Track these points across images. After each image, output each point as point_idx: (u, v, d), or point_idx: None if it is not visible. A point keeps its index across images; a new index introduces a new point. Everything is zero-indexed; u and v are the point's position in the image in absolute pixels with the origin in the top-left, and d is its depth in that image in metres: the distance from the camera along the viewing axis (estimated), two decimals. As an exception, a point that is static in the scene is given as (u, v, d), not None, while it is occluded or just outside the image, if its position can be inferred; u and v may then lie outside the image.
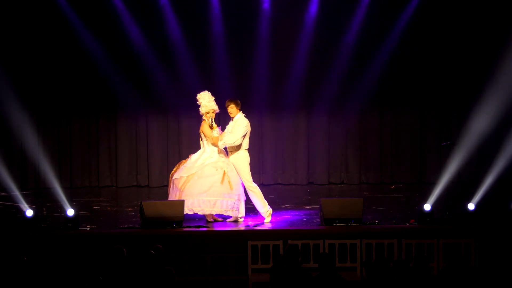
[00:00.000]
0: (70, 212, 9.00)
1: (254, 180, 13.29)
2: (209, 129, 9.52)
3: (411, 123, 13.44)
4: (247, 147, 9.54)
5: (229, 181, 9.33)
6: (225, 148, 9.58)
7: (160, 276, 6.50)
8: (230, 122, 9.56)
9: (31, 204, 10.23)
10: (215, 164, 9.43)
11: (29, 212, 9.00)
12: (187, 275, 8.51)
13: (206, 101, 9.62)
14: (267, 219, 9.52)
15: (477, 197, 9.79)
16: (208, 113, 9.59)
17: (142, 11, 12.81)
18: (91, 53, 12.81)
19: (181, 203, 9.15)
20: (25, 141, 12.90)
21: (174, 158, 12.98)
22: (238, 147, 9.45)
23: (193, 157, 9.59)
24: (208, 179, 9.33)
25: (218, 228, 9.26)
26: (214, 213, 9.46)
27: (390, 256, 8.42)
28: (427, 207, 9.17)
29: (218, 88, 13.11)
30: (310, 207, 10.73)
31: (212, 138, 9.47)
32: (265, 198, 9.66)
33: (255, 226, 9.31)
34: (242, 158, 9.48)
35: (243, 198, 9.51)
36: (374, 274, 6.22)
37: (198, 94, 9.72)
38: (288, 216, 9.98)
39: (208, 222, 9.51)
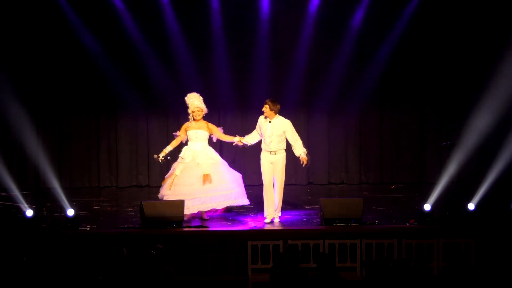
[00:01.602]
0: (70, 212, 9.00)
1: (254, 180, 13.42)
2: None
3: (411, 123, 13.44)
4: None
5: (206, 178, 9.59)
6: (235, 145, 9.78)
7: (160, 276, 6.50)
8: (269, 124, 9.55)
9: (31, 204, 10.22)
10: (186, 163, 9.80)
11: (29, 212, 9.00)
12: (187, 275, 8.51)
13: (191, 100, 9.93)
14: (277, 219, 9.64)
15: (477, 197, 9.79)
16: (194, 111, 9.85)
17: (142, 10, 12.79)
18: (92, 53, 12.80)
19: (181, 203, 9.17)
20: (25, 141, 12.89)
21: (174, 158, 12.97)
22: (282, 147, 9.57)
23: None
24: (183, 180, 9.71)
25: (218, 228, 9.27)
26: (204, 210, 9.68)
27: (390, 256, 8.42)
28: (427, 207, 9.17)
29: (218, 88, 13.16)
30: (310, 207, 10.73)
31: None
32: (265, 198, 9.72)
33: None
34: (284, 159, 9.60)
35: (233, 188, 9.68)
36: (374, 274, 6.22)
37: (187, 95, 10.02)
38: (288, 216, 9.97)
39: (203, 220, 9.61)
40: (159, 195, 9.83)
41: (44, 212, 10.43)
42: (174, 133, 10.20)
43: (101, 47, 12.80)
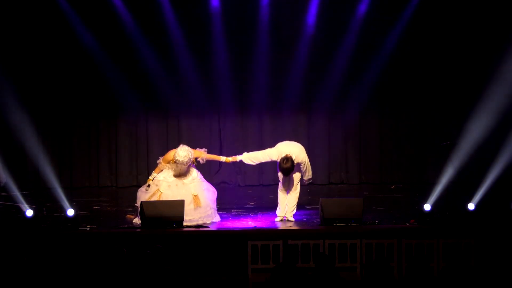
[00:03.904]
0: (70, 212, 9.00)
1: (254, 180, 13.43)
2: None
3: (411, 123, 13.44)
4: None
5: (196, 200, 9.49)
6: None
7: (160, 276, 6.50)
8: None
9: (31, 204, 10.22)
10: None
11: (29, 212, 9.00)
12: (187, 275, 8.50)
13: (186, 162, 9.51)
14: (292, 218, 9.68)
15: (477, 197, 9.79)
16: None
17: (143, 12, 12.78)
18: (92, 54, 12.79)
19: (181, 203, 9.16)
20: (25, 141, 12.88)
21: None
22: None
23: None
24: None
25: (218, 228, 9.27)
26: None
27: (390, 256, 8.42)
28: (427, 207, 9.17)
29: (218, 88, 13.16)
30: (310, 207, 10.73)
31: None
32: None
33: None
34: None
35: None
36: (373, 274, 6.22)
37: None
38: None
39: None
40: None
41: (44, 212, 10.42)
42: (157, 161, 9.78)
43: (101, 48, 12.79)
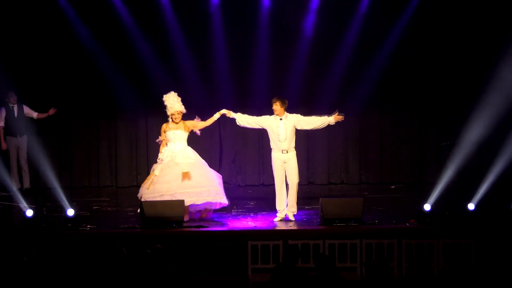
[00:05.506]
0: (70, 212, 9.00)
1: (254, 180, 13.43)
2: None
3: (411, 123, 13.44)
4: None
5: (185, 175, 9.56)
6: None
7: (160, 276, 6.50)
8: (280, 122, 9.57)
9: (31, 204, 10.22)
10: None
11: (29, 212, 9.00)
12: (187, 275, 8.50)
13: (170, 103, 9.82)
14: (293, 217, 9.65)
15: (477, 197, 9.79)
16: (173, 114, 9.79)
17: (142, 11, 12.78)
18: (91, 53, 12.79)
19: (181, 203, 9.16)
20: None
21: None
22: (293, 145, 9.66)
23: None
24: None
25: (218, 228, 9.27)
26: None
27: (390, 256, 8.42)
28: (427, 207, 9.18)
29: (218, 87, 13.16)
30: (310, 207, 10.72)
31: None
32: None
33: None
34: (296, 157, 9.69)
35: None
36: (373, 274, 6.22)
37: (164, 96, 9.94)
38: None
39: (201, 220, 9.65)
40: (138, 195, 9.74)
41: (44, 212, 10.42)
42: (157, 140, 10.08)
43: (100, 47, 12.79)
